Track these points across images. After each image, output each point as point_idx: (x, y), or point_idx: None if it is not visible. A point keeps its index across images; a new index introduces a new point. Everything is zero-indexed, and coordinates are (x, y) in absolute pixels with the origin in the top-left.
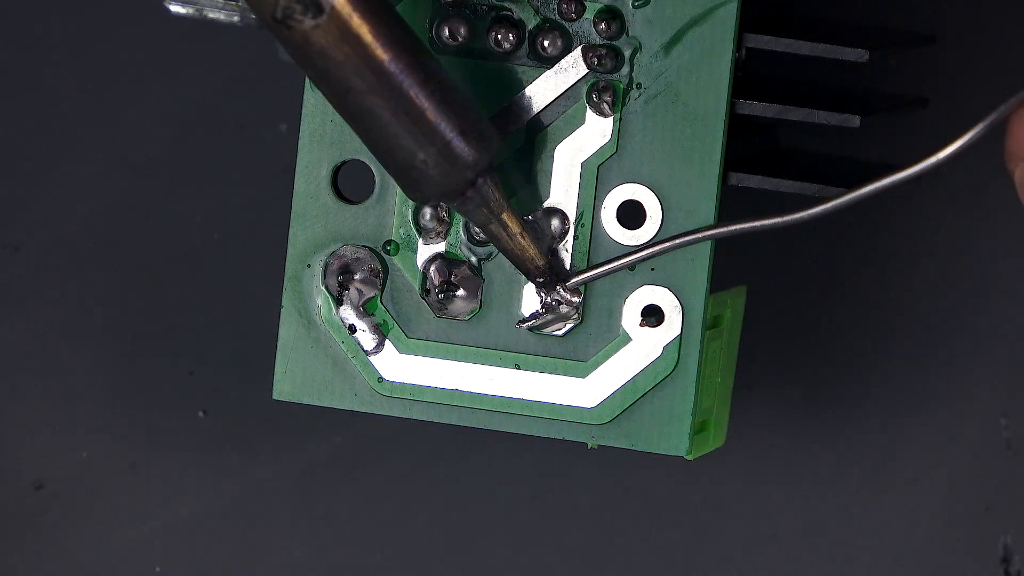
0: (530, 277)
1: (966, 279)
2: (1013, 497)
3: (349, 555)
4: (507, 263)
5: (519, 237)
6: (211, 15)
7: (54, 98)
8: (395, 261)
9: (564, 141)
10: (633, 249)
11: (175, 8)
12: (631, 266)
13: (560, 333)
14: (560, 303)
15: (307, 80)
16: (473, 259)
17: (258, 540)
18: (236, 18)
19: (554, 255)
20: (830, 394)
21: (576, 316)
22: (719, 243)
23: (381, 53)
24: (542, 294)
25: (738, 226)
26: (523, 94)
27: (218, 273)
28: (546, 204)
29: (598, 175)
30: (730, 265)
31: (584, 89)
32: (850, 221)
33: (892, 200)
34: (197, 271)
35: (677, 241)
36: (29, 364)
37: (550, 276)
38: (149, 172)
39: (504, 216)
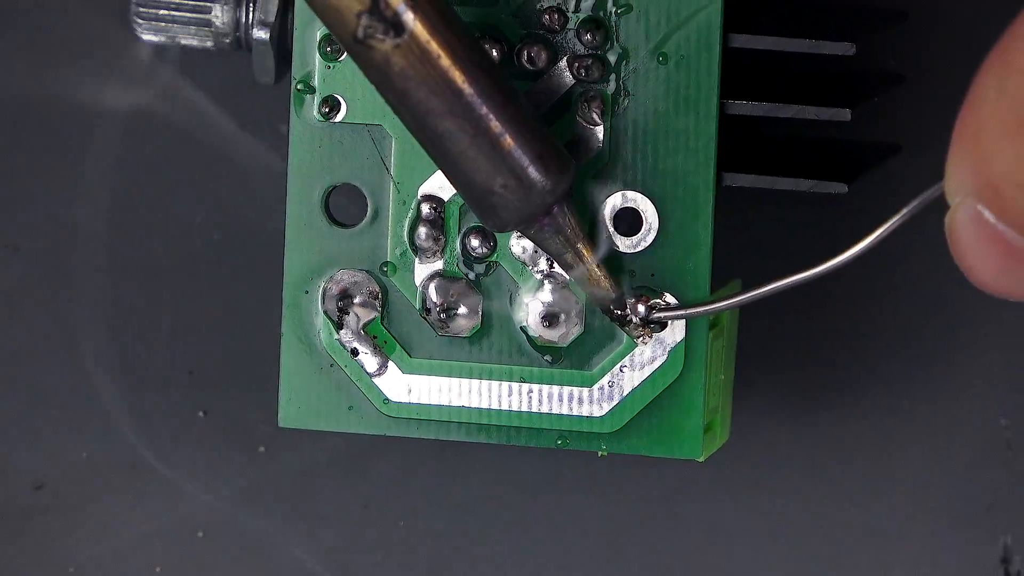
0: (604, 310)
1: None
2: (1013, 497)
3: (349, 555)
4: (505, 278)
5: (595, 267)
6: (184, 41)
7: (54, 98)
8: (393, 282)
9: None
10: (716, 298)
11: (147, 36)
12: (632, 272)
13: (564, 344)
14: (640, 336)
15: (293, 104)
16: (471, 275)
17: (258, 540)
18: (209, 43)
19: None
20: (829, 395)
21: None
22: (713, 241)
23: (462, 73)
24: (617, 324)
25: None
26: None
27: (218, 274)
28: None
29: (592, 184)
30: (725, 262)
31: (573, 99)
32: (848, 218)
33: (892, 197)
34: (197, 271)
35: (759, 292)
36: (29, 364)
37: (624, 308)
38: (149, 172)
39: (580, 246)
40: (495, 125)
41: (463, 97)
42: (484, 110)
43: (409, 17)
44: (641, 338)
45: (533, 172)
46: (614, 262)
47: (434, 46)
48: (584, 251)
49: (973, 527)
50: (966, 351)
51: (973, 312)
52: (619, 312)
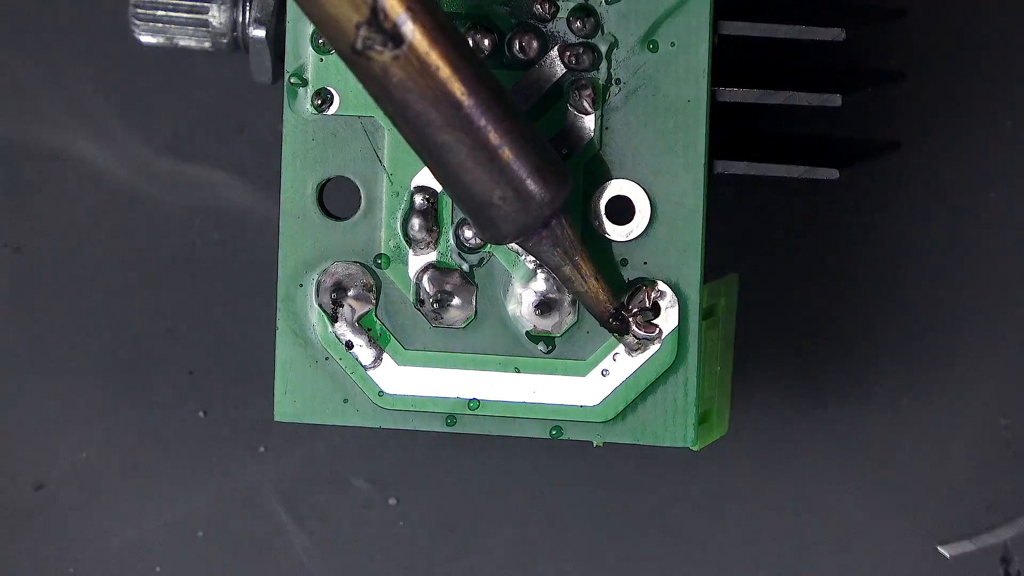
0: (602, 321)
1: (967, 277)
2: (1013, 497)
3: (349, 555)
4: (498, 268)
5: (593, 280)
6: (182, 43)
7: (53, 97)
8: (387, 274)
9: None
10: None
11: (146, 38)
12: (624, 260)
13: (558, 333)
14: (638, 343)
15: (286, 97)
16: (465, 266)
17: (258, 540)
18: (208, 44)
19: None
20: (828, 394)
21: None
22: (709, 234)
23: (461, 85)
24: (615, 336)
25: None
26: None
27: (218, 273)
28: None
29: (584, 173)
30: (721, 255)
31: (564, 88)
32: (848, 218)
33: (892, 197)
34: (197, 271)
35: None
36: (29, 364)
37: (623, 320)
38: (149, 172)
39: (578, 259)
40: (493, 137)
41: (462, 109)
42: (483, 122)
43: (408, 28)
44: (638, 351)
45: (531, 184)
46: (607, 251)
47: (433, 58)
48: (582, 264)
49: (973, 527)
50: (966, 351)
51: (974, 312)
52: (616, 323)
